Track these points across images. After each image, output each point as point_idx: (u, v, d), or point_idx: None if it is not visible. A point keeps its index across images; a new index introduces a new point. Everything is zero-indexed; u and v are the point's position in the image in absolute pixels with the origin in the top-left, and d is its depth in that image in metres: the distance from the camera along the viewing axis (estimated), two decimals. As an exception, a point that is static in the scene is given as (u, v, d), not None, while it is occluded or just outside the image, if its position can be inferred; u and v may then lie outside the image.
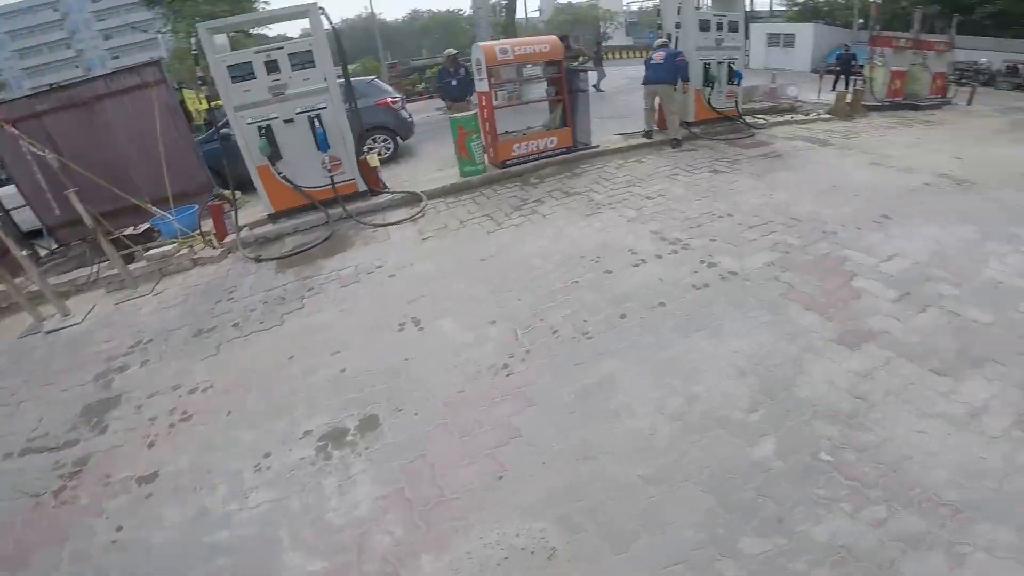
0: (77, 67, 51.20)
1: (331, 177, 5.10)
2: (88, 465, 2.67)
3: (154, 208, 5.38)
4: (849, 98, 8.92)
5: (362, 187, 5.38)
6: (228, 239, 5.10)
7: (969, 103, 10.50)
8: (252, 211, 5.80)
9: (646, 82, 6.81)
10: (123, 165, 5.93)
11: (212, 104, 7.23)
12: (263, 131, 4.81)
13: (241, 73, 4.70)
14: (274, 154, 4.87)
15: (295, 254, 4.73)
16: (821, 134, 7.39)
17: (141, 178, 5.87)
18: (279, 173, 4.98)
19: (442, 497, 2.14)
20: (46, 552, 2.21)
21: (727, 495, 1.97)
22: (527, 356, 2.89)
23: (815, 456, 2.09)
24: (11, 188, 6.17)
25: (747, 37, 16.97)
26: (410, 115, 9.10)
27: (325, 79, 4.93)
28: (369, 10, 40.66)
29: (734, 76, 7.25)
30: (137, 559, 2.12)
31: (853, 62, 12.09)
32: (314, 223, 5.09)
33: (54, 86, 6.16)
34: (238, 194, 5.62)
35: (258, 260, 4.75)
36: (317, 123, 4.86)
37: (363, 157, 5.22)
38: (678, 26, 7.11)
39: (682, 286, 3.37)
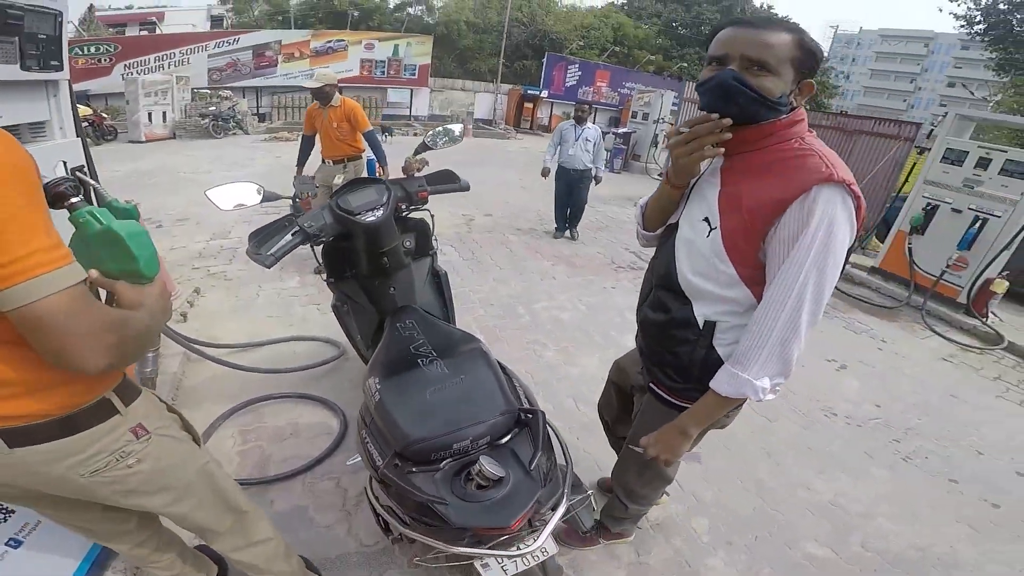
0: (904, 100, 54.18)
1: (943, 271, 4.82)
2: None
3: None
4: None
5: (963, 300, 4.76)
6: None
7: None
8: (865, 258, 6.12)
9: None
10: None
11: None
12: (927, 208, 5.01)
13: (953, 158, 4.95)
14: (919, 229, 5.02)
15: (847, 295, 5.07)
16: None
17: None
18: (908, 244, 5.09)
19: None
20: None
21: None
22: None
23: None
24: None
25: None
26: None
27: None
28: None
29: None
30: None
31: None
32: (892, 293, 5.13)
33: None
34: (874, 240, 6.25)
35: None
36: (977, 226, 4.66)
37: (991, 278, 4.61)
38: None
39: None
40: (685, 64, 24.91)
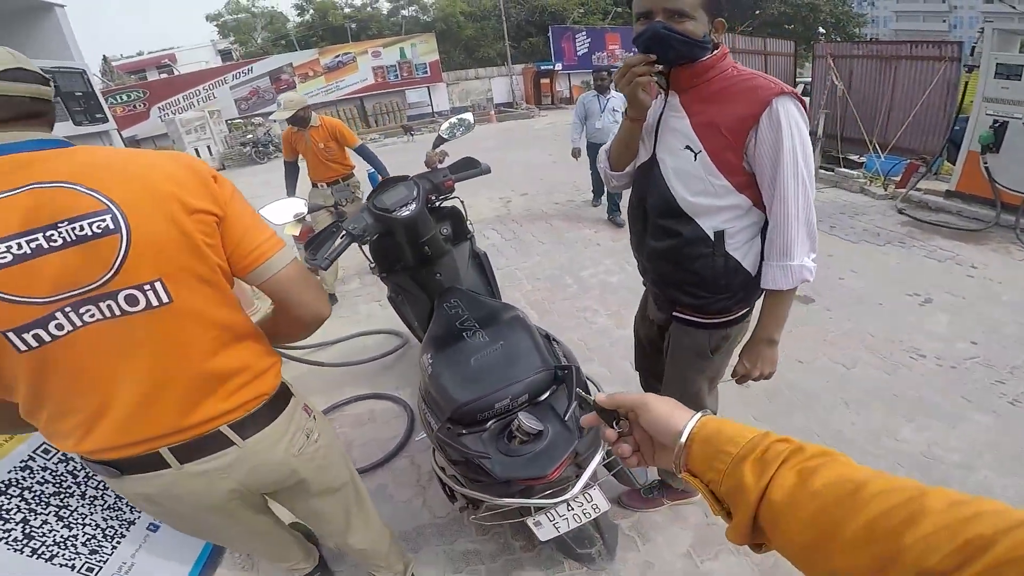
0: (943, 21, 48.33)
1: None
2: None
3: (873, 148, 6.70)
4: None
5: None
6: (901, 191, 5.50)
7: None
8: (938, 183, 5.63)
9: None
10: (881, 107, 7.21)
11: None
12: (996, 125, 4.68)
13: (1007, 72, 4.73)
14: (991, 147, 4.79)
15: (924, 222, 4.74)
16: None
17: (888, 124, 7.09)
18: (984, 163, 4.73)
19: None
20: None
21: None
22: None
23: None
24: (805, 98, 9.08)
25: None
26: None
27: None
28: None
29: None
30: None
31: None
32: (976, 215, 4.69)
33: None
34: (945, 164, 5.83)
35: (900, 211, 5.06)
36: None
37: None
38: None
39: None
40: (695, 13, 23.57)
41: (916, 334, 2.93)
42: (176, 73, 18.74)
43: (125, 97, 15.03)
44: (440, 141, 2.10)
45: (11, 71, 0.82)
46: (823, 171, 6.42)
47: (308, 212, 2.00)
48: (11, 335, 0.78)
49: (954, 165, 5.16)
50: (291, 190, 3.88)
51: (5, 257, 0.75)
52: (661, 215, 1.35)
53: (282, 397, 1.11)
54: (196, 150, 12.64)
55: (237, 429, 1.01)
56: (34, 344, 0.80)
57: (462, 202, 2.08)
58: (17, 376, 0.83)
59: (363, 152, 3.92)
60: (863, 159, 6.83)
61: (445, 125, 2.11)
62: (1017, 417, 2.28)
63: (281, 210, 1.89)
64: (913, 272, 3.71)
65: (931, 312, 3.17)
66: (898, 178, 5.75)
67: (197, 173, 0.90)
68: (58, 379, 0.85)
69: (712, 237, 1.30)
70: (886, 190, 5.63)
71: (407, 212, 1.69)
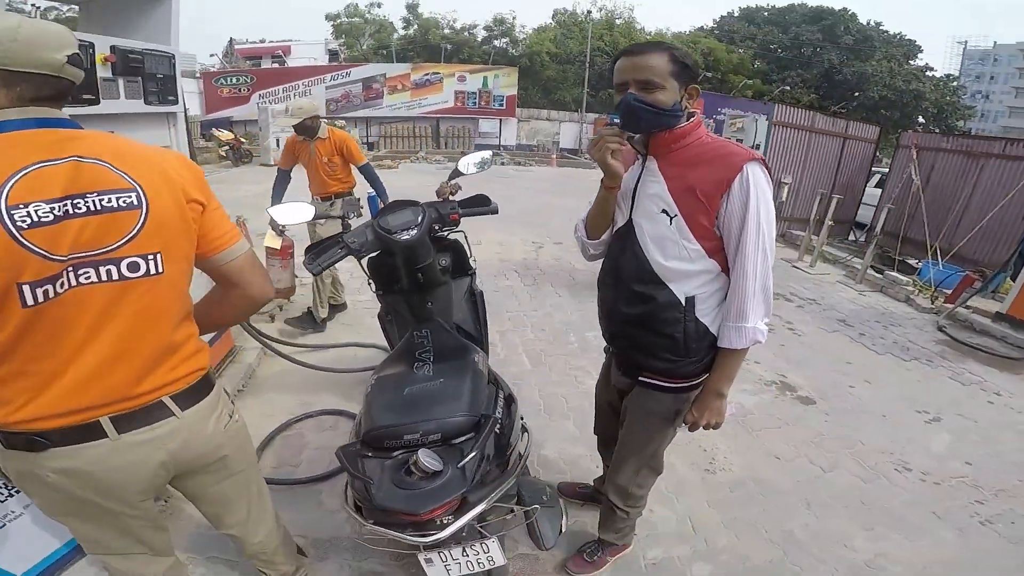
0: None
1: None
2: None
3: (933, 254, 6.31)
4: None
5: None
6: (949, 306, 5.23)
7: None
8: (992, 303, 5.28)
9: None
10: (954, 208, 6.90)
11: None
12: None
13: None
14: None
15: (961, 343, 4.45)
16: None
17: (957, 227, 6.73)
18: None
19: None
20: None
21: None
22: None
23: None
24: (877, 190, 8.74)
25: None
26: None
27: None
28: None
29: None
30: None
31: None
32: (1022, 343, 4.39)
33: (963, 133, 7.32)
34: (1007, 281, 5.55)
35: (939, 328, 4.85)
36: None
37: None
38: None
39: None
40: (787, 87, 22.87)
41: (910, 448, 2.85)
42: (285, 65, 19.84)
43: (233, 80, 16.21)
44: (456, 174, 2.12)
45: (73, 56, 0.90)
46: (872, 272, 6.14)
47: (353, 211, 2.04)
48: (26, 288, 0.83)
49: (1015, 283, 4.79)
50: (276, 200, 3.58)
51: (47, 217, 0.84)
52: (636, 280, 1.39)
53: (211, 377, 1.17)
54: (277, 140, 12.74)
55: (177, 400, 1.06)
56: (40, 299, 0.85)
57: (466, 237, 2.12)
58: (1, 330, 0.85)
59: (366, 171, 3.78)
60: (920, 264, 6.50)
61: (475, 158, 2.14)
62: (983, 537, 2.23)
63: (288, 212, 2.00)
64: (931, 391, 3.56)
65: (935, 431, 3.06)
66: (949, 291, 5.43)
67: (193, 170, 1.07)
68: (36, 337, 0.88)
69: (684, 302, 1.34)
70: (933, 303, 5.36)
71: (407, 236, 1.71)
